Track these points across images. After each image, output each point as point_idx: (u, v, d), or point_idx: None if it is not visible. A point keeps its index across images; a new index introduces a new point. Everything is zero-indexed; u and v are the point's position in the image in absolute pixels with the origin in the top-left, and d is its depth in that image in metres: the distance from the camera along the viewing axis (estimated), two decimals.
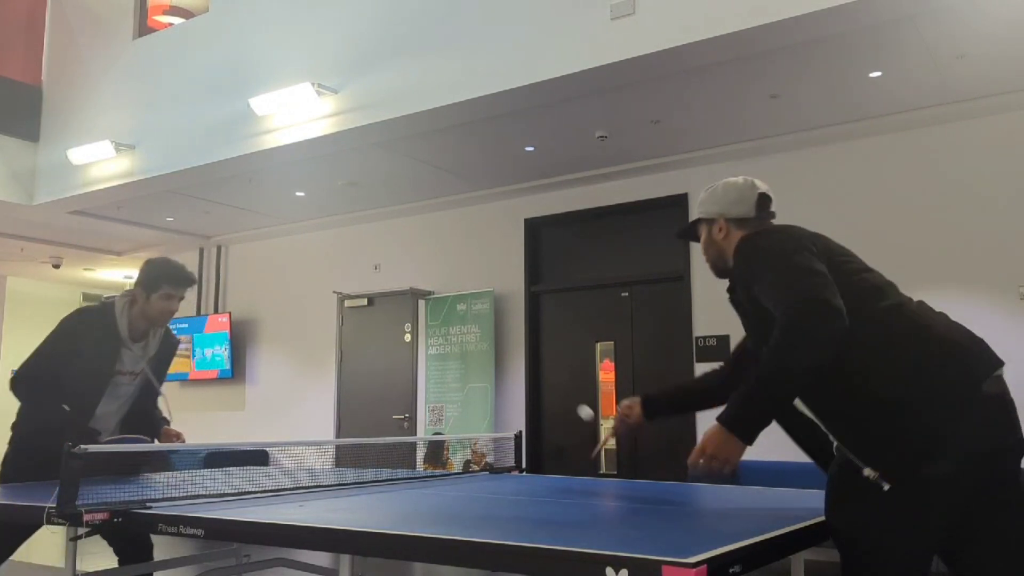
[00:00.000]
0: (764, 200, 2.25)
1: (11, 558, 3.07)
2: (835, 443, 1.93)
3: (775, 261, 1.96)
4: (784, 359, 1.81)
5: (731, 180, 2.28)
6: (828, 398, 1.90)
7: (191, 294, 9.56)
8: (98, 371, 3.25)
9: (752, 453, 5.73)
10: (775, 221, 2.28)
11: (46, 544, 6.27)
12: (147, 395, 3.46)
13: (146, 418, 3.47)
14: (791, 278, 1.88)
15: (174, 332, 3.66)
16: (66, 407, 3.22)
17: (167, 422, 3.55)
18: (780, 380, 1.82)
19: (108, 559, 3.33)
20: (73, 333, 3.25)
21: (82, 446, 2.34)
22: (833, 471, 1.94)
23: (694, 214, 2.35)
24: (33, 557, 5.54)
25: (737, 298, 2.13)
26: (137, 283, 3.35)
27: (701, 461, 1.92)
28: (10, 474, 3.24)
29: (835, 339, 1.79)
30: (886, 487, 1.77)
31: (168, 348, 3.55)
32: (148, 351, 3.42)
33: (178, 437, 3.44)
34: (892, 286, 1.99)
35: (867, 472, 1.79)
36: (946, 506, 1.78)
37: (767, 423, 1.89)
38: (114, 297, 3.41)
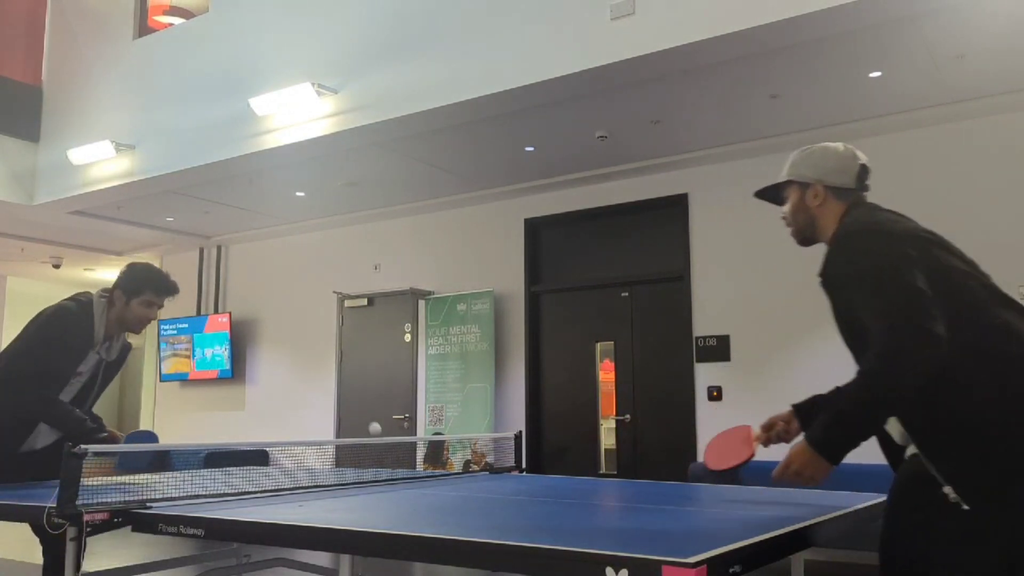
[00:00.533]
0: (864, 172, 2.15)
1: (10, 557, 3.06)
2: (909, 451, 1.89)
3: (877, 273, 1.87)
4: (877, 387, 1.78)
5: (831, 145, 2.16)
6: (921, 412, 1.83)
7: (191, 294, 9.59)
8: (62, 371, 3.17)
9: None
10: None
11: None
12: (84, 398, 3.31)
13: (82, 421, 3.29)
14: (890, 298, 1.81)
15: (128, 343, 3.53)
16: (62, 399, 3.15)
17: (98, 420, 3.40)
18: (872, 407, 1.81)
19: (108, 559, 3.33)
20: (53, 337, 3.17)
21: (82, 446, 2.34)
22: (903, 480, 1.89)
23: (783, 175, 2.21)
24: (32, 557, 5.54)
25: (826, 286, 2.04)
26: (116, 286, 3.28)
27: (785, 476, 1.91)
28: None
29: (931, 367, 1.74)
30: (965, 507, 1.73)
31: (124, 354, 3.44)
32: (110, 355, 3.34)
33: (119, 436, 3.30)
34: (996, 293, 1.90)
35: (947, 490, 1.75)
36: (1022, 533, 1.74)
37: (855, 446, 1.85)
38: (91, 295, 3.31)
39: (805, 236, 2.20)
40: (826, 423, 1.86)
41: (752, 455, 2.29)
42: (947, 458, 1.78)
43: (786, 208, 2.21)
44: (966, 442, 1.76)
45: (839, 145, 2.16)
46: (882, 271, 1.86)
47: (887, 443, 2.03)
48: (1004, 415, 1.74)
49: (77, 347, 3.19)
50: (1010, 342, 1.80)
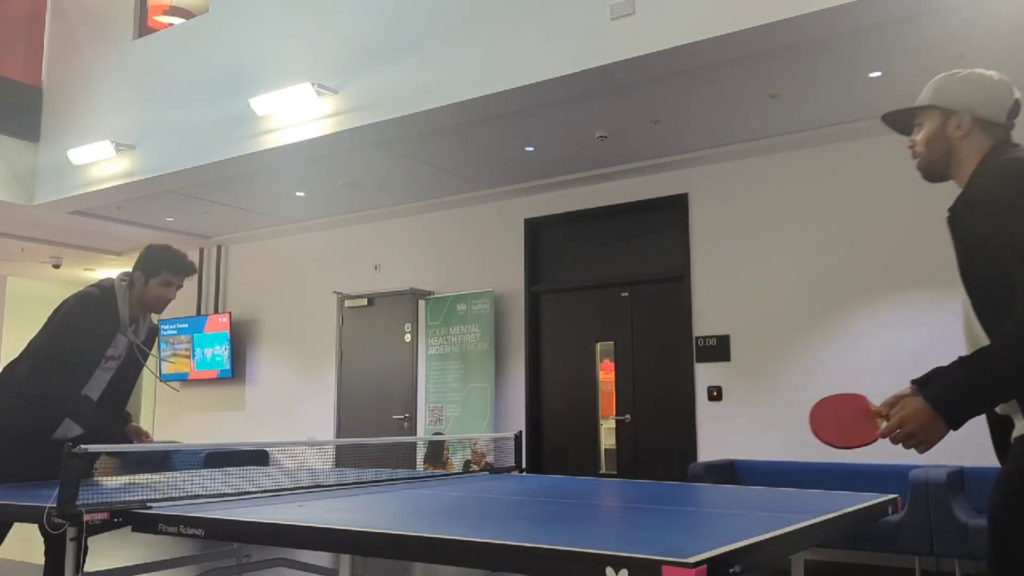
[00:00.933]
0: (1016, 109, 1.90)
1: (10, 557, 3.07)
2: (1016, 435, 1.71)
3: None
4: (1020, 352, 1.59)
5: (985, 72, 1.91)
6: None
7: (191, 294, 9.59)
8: (91, 356, 3.24)
9: (752, 453, 5.76)
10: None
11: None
12: (122, 380, 3.38)
13: (116, 407, 3.40)
14: None
15: (154, 323, 3.62)
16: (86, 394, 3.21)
17: (129, 416, 3.48)
18: (1010, 373, 1.61)
19: (108, 559, 3.33)
20: (79, 322, 3.23)
21: (82, 446, 2.34)
22: (1014, 464, 1.70)
23: (925, 99, 1.95)
24: (32, 557, 5.54)
25: (957, 223, 1.84)
26: (136, 267, 3.34)
27: (895, 438, 1.72)
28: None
29: None
30: None
31: (151, 335, 3.51)
32: (138, 336, 3.40)
33: (147, 436, 3.38)
34: None
35: None
36: None
37: (982, 411, 1.68)
38: (112, 280, 3.38)
39: (935, 170, 1.95)
40: (952, 383, 1.67)
41: (879, 436, 1.96)
42: None
43: (917, 136, 1.95)
44: None
45: (993, 73, 1.91)
46: None
47: (991, 418, 1.82)
48: None
49: (102, 331, 3.26)
50: None
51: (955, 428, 1.66)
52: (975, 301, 1.76)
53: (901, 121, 2.02)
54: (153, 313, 3.44)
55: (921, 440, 1.69)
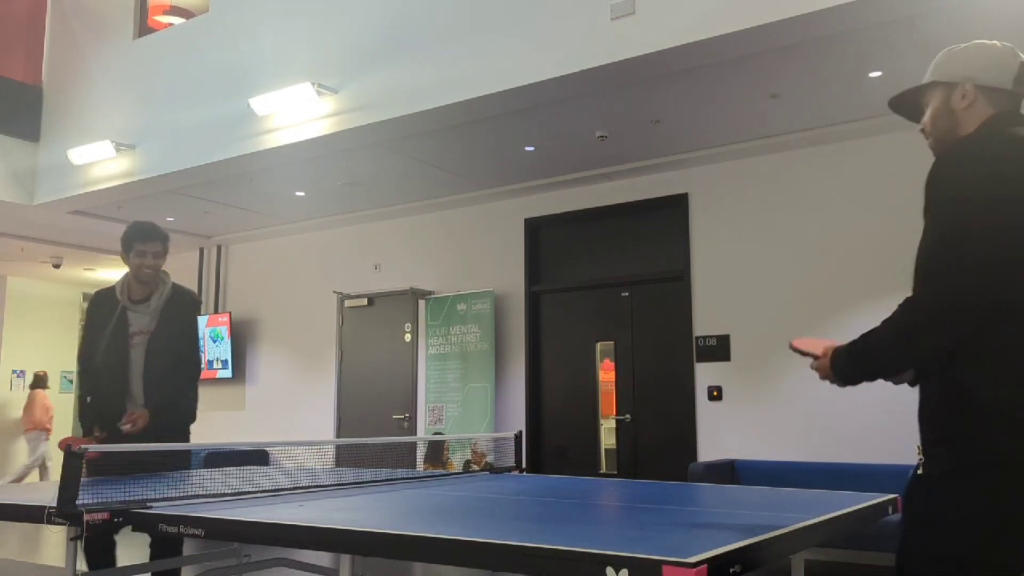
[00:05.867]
0: None
1: (11, 557, 3.08)
2: (919, 471, 1.74)
3: (953, 227, 1.62)
4: (881, 349, 1.68)
5: (983, 41, 1.84)
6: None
7: None
8: (114, 336, 3.57)
9: (752, 453, 5.76)
10: None
11: (46, 544, 6.26)
12: (160, 356, 3.60)
13: (165, 386, 3.61)
14: (944, 266, 1.61)
15: (191, 291, 3.87)
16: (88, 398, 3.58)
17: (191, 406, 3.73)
18: (872, 361, 1.70)
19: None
20: (88, 313, 3.75)
21: (83, 446, 2.34)
22: (916, 512, 1.73)
23: (927, 77, 1.89)
24: (33, 557, 5.53)
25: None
26: (120, 251, 3.71)
27: (813, 365, 1.85)
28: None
29: (936, 353, 1.64)
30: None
31: (175, 305, 3.72)
32: (159, 303, 3.67)
33: (138, 418, 3.50)
34: None
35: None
36: None
37: (866, 380, 1.75)
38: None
39: (947, 145, 1.84)
40: (848, 348, 1.76)
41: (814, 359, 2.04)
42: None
43: (925, 116, 1.89)
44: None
45: (995, 41, 1.84)
46: (962, 229, 1.61)
47: None
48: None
49: (107, 310, 3.65)
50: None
51: (841, 386, 1.80)
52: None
53: (909, 108, 1.98)
54: (146, 282, 3.69)
55: (823, 376, 1.83)
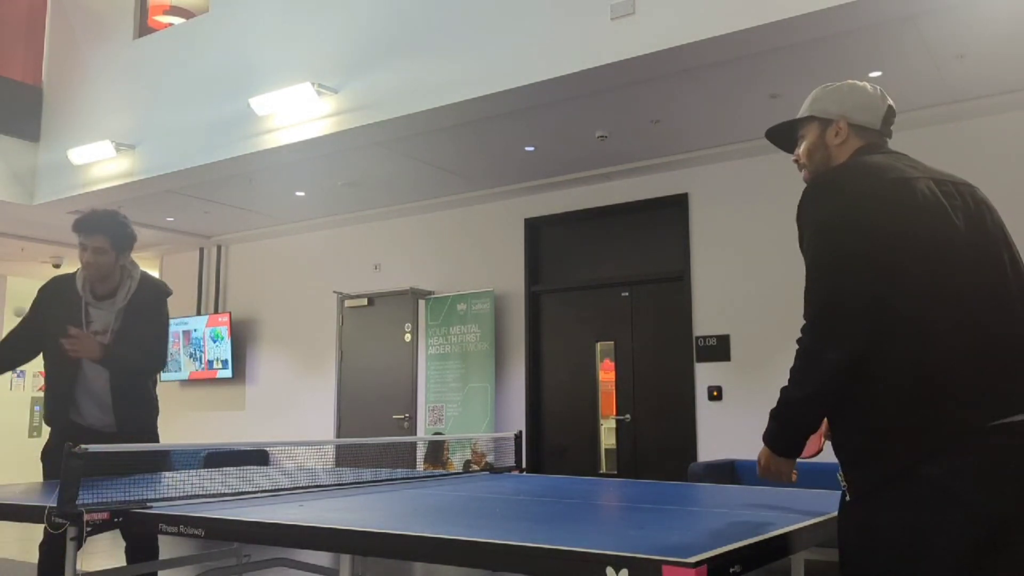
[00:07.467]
0: (891, 115, 1.99)
1: (12, 557, 3.07)
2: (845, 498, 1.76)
3: (824, 253, 1.70)
4: (792, 390, 1.75)
5: (858, 83, 1.99)
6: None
7: (191, 294, 9.59)
8: (48, 333, 3.29)
9: (752, 453, 5.73)
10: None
11: None
12: (125, 362, 3.32)
13: (132, 389, 3.35)
14: (820, 295, 1.70)
15: (159, 281, 3.60)
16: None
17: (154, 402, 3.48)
18: (792, 408, 1.75)
19: (108, 559, 3.33)
20: (42, 300, 3.44)
21: (82, 446, 2.34)
22: (847, 541, 1.74)
23: (804, 111, 2.01)
24: (33, 557, 5.54)
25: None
26: None
27: (761, 475, 1.88)
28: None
29: (840, 369, 1.67)
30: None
31: (140, 299, 3.43)
32: (116, 305, 3.40)
33: (82, 338, 3.19)
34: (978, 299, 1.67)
35: None
36: None
37: (801, 436, 1.78)
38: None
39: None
40: (770, 419, 1.81)
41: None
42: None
43: (800, 149, 2.01)
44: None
45: (866, 84, 2.00)
46: (831, 255, 1.69)
47: None
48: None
49: (59, 306, 3.37)
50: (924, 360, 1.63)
51: (792, 456, 1.81)
52: None
53: (784, 139, 2.09)
54: (95, 279, 3.44)
55: (777, 473, 1.83)
